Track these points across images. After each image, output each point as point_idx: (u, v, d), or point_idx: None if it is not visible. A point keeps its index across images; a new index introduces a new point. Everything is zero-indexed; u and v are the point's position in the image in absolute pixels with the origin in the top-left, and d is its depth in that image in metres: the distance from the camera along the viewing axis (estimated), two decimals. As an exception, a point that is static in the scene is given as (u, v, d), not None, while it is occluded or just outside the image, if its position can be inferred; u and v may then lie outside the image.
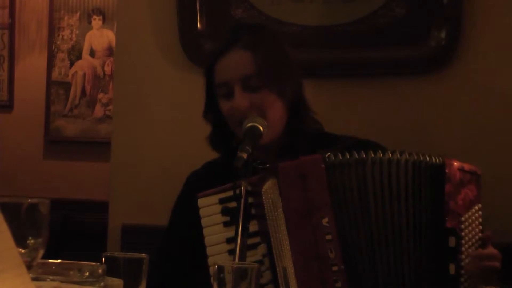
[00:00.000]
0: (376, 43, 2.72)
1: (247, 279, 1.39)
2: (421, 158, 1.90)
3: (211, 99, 2.16)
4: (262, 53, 2.07)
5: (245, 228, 1.75)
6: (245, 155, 1.80)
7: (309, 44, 2.73)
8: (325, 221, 1.86)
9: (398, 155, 1.89)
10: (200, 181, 2.16)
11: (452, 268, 1.85)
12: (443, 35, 2.63)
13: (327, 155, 1.89)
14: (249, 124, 1.97)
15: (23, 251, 1.18)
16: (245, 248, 1.74)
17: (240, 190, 1.77)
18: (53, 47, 5.03)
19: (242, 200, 1.75)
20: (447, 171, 1.88)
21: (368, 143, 2.08)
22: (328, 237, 1.86)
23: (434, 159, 1.90)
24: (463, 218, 1.87)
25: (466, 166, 1.91)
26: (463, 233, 1.86)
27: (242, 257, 1.70)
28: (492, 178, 2.58)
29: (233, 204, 1.88)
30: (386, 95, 2.72)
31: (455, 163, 1.89)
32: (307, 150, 1.97)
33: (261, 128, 1.97)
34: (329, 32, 2.76)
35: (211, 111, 2.18)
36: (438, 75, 2.67)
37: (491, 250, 1.89)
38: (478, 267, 1.85)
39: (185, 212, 2.09)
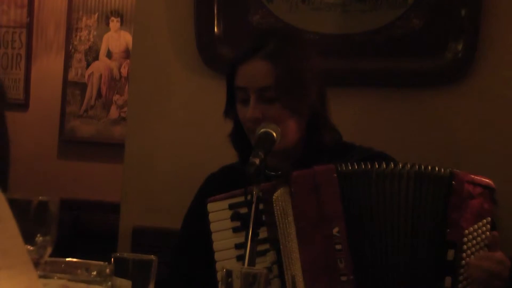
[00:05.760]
0: (393, 54, 2.71)
1: (256, 285, 1.39)
2: (425, 169, 1.89)
3: (232, 99, 2.16)
4: (283, 65, 2.05)
5: (255, 234, 1.74)
6: (257, 161, 1.80)
7: (326, 53, 2.71)
8: (335, 230, 1.86)
9: (400, 167, 1.89)
10: (216, 185, 2.16)
11: (448, 281, 1.84)
12: (460, 47, 2.62)
13: (340, 165, 1.89)
14: (262, 130, 1.97)
15: (31, 248, 1.18)
16: (255, 254, 1.74)
17: (252, 196, 1.76)
18: (70, 48, 5.04)
19: (253, 206, 1.75)
20: (453, 183, 1.87)
21: (381, 156, 2.07)
22: (338, 246, 1.85)
23: (441, 171, 1.89)
24: (467, 231, 1.84)
25: (478, 179, 1.89)
26: (465, 246, 1.84)
27: (252, 263, 1.70)
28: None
29: (243, 210, 1.88)
30: (401, 106, 2.71)
31: (465, 176, 1.88)
32: (323, 161, 1.96)
33: (274, 134, 1.96)
34: (346, 41, 2.76)
35: (231, 110, 2.18)
36: (454, 87, 2.66)
37: (494, 253, 1.85)
38: (477, 267, 1.83)
39: (197, 215, 2.08)
